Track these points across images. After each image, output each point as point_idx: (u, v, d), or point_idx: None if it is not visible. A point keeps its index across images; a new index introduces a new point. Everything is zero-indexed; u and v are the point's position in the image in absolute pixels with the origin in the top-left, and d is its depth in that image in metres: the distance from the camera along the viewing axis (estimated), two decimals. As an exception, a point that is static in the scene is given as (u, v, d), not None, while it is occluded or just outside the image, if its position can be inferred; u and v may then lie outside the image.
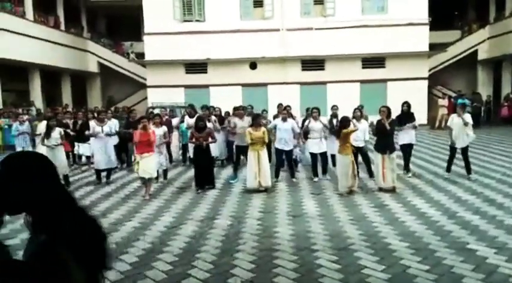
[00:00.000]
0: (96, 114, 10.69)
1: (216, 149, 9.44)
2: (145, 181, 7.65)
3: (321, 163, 8.84)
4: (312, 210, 6.52)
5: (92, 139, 9.17)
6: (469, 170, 8.60)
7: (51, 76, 22.38)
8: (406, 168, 8.98)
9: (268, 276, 4.16)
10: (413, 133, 8.83)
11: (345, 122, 7.59)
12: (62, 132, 8.79)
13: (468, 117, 8.50)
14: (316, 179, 8.72)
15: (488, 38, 22.12)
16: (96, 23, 27.22)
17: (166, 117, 10.86)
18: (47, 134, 8.58)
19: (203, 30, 19.85)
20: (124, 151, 10.88)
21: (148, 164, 7.51)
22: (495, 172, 9.15)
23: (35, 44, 19.59)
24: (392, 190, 7.56)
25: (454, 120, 8.57)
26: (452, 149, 8.63)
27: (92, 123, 9.07)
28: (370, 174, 8.67)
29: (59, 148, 8.57)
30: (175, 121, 11.14)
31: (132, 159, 10.17)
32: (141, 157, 7.52)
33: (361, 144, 8.59)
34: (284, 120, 8.70)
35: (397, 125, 8.53)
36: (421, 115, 18.65)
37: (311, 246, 4.96)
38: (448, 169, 8.77)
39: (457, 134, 8.44)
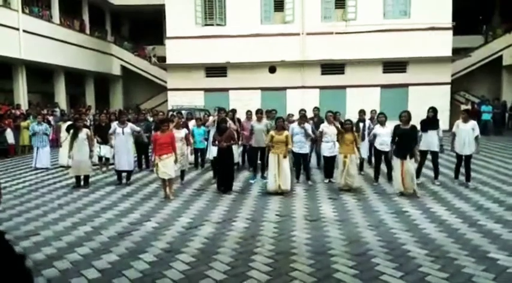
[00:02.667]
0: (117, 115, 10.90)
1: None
2: (165, 183, 7.77)
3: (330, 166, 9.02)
4: (330, 215, 6.49)
5: (114, 140, 9.37)
6: (468, 178, 8.44)
7: (75, 78, 22.96)
8: (435, 176, 8.79)
9: (284, 279, 4.16)
10: (435, 139, 8.62)
11: (345, 124, 8.31)
12: (89, 133, 9.01)
13: (476, 126, 8.28)
14: (326, 181, 8.98)
15: (513, 43, 21.61)
16: (120, 27, 27.80)
17: (183, 119, 11.03)
18: (75, 134, 8.79)
19: (224, 34, 20.05)
20: (143, 153, 11.08)
21: (167, 165, 7.63)
22: (519, 180, 8.92)
23: (61, 47, 20.15)
24: (413, 195, 7.51)
25: (460, 127, 8.37)
26: (459, 156, 8.50)
27: (114, 125, 9.27)
28: (389, 178, 8.72)
29: (84, 148, 8.78)
30: (191, 124, 11.28)
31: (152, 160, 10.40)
32: (160, 159, 7.64)
33: (386, 149, 8.56)
34: (299, 124, 8.87)
35: (420, 130, 8.52)
36: (443, 121, 18.33)
37: (328, 250, 4.94)
38: (456, 176, 8.71)
39: (465, 141, 8.24)
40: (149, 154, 11.15)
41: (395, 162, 7.73)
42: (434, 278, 4.11)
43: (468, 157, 8.35)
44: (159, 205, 7.31)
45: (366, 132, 9.79)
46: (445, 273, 4.22)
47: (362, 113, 10.24)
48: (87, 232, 5.80)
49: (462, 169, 8.55)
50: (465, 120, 8.36)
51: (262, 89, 20.52)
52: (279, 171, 7.84)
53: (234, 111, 11.02)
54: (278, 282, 4.11)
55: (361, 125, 9.79)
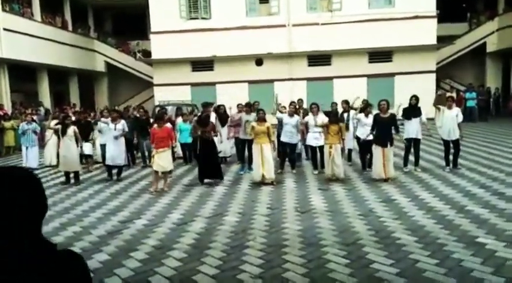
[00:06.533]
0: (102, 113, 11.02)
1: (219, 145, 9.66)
2: (157, 176, 7.95)
3: (320, 157, 9.05)
4: (320, 206, 6.53)
5: (106, 136, 9.36)
6: (456, 163, 8.79)
7: (58, 76, 22.56)
8: (416, 163, 8.94)
9: (277, 271, 4.18)
10: (418, 127, 8.74)
11: (332, 115, 8.48)
12: (76, 130, 9.01)
13: (459, 112, 8.69)
14: (316, 172, 8.99)
15: (497, 30, 21.82)
16: (103, 22, 27.36)
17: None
18: (63, 131, 8.84)
19: (209, 27, 19.87)
20: (130, 151, 10.98)
21: (163, 159, 7.92)
22: (504, 165, 9.07)
23: (43, 44, 19.76)
24: (388, 180, 7.80)
25: (445, 114, 8.62)
26: (447, 143, 8.72)
27: (107, 120, 9.39)
28: (363, 165, 9.04)
29: (72, 145, 8.84)
30: (179, 120, 11.20)
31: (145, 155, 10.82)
32: (157, 152, 7.90)
33: (370, 137, 8.64)
34: (291, 115, 9.05)
35: (403, 117, 8.70)
36: (429, 109, 18.53)
37: (319, 241, 4.97)
38: (447, 163, 8.84)
39: (449, 127, 8.53)
40: (135, 151, 11.16)
41: (376, 149, 7.90)
42: (425, 264, 4.17)
43: (456, 143, 8.60)
44: (149, 202, 7.27)
45: (351, 123, 9.73)
46: (435, 259, 4.29)
47: (345, 103, 10.14)
48: (76, 232, 5.74)
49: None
50: (450, 107, 8.67)
51: (250, 82, 20.45)
52: (262, 161, 7.99)
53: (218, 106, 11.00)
54: (271, 274, 4.12)
55: (345, 115, 9.75)
